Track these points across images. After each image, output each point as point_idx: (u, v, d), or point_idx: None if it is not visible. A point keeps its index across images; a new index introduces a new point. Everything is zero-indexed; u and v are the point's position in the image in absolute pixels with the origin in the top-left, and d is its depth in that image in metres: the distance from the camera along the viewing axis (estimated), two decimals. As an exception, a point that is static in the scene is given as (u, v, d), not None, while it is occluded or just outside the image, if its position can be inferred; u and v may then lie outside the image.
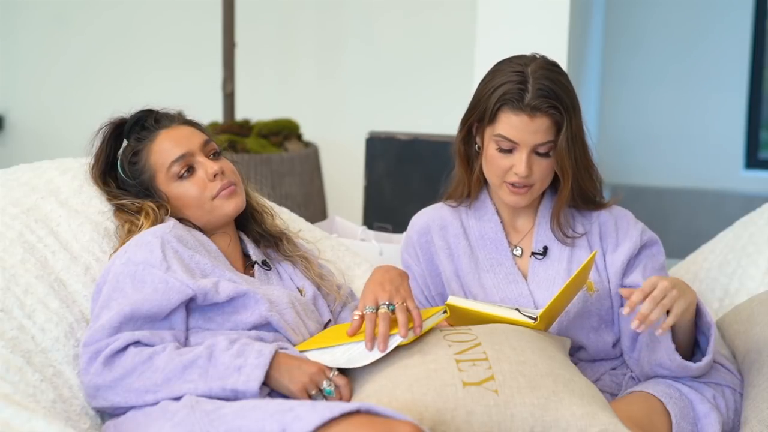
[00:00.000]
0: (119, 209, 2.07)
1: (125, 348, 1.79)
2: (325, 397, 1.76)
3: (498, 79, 2.03)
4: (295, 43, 4.47)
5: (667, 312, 1.87)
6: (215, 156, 2.06)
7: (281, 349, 1.87)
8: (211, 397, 1.73)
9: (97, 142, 2.10)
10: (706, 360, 1.96)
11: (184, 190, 2.02)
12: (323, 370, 1.79)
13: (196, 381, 1.75)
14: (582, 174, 2.08)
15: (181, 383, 1.75)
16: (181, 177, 2.01)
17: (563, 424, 1.72)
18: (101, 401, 1.80)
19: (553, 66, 2.05)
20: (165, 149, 2.02)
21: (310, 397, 1.76)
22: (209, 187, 2.01)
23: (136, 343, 1.79)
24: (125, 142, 2.10)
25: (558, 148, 2.02)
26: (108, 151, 2.10)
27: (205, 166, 2.02)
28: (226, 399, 1.73)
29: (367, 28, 4.40)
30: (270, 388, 1.78)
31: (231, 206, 2.03)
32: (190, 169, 2.02)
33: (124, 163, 2.08)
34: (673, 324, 1.87)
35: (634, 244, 2.11)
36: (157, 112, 2.10)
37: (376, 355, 1.79)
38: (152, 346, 1.80)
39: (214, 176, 2.01)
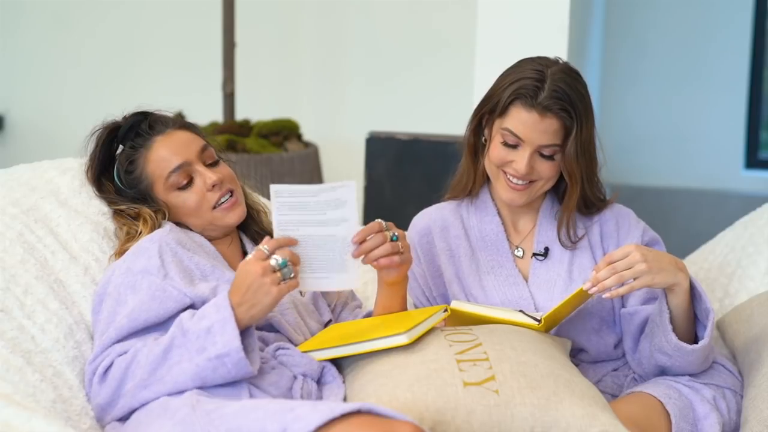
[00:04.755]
0: (117, 213, 2.06)
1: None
2: (283, 272, 1.74)
3: (517, 73, 2.03)
4: (295, 43, 4.47)
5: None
6: (213, 163, 2.04)
7: (282, 348, 1.87)
8: (205, 380, 1.71)
9: (91, 146, 2.07)
10: (702, 343, 1.95)
11: (183, 200, 2.00)
12: (258, 253, 1.76)
13: (181, 363, 1.71)
14: (584, 184, 2.08)
15: (167, 369, 1.72)
16: (180, 188, 2.00)
17: (563, 424, 1.72)
18: (109, 420, 1.79)
19: (574, 73, 2.05)
20: (162, 158, 2.00)
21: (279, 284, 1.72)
22: (207, 197, 2.00)
23: (125, 353, 1.78)
24: (120, 147, 2.08)
25: (567, 153, 2.02)
26: (102, 158, 2.08)
27: (204, 176, 2.00)
28: (224, 376, 1.71)
29: (367, 28, 4.39)
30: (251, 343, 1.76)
31: (233, 218, 2.01)
32: (189, 179, 2.00)
33: (120, 172, 2.06)
34: (625, 293, 1.90)
35: (635, 244, 2.11)
36: (151, 114, 2.07)
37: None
38: None
39: (213, 186, 2.00)
